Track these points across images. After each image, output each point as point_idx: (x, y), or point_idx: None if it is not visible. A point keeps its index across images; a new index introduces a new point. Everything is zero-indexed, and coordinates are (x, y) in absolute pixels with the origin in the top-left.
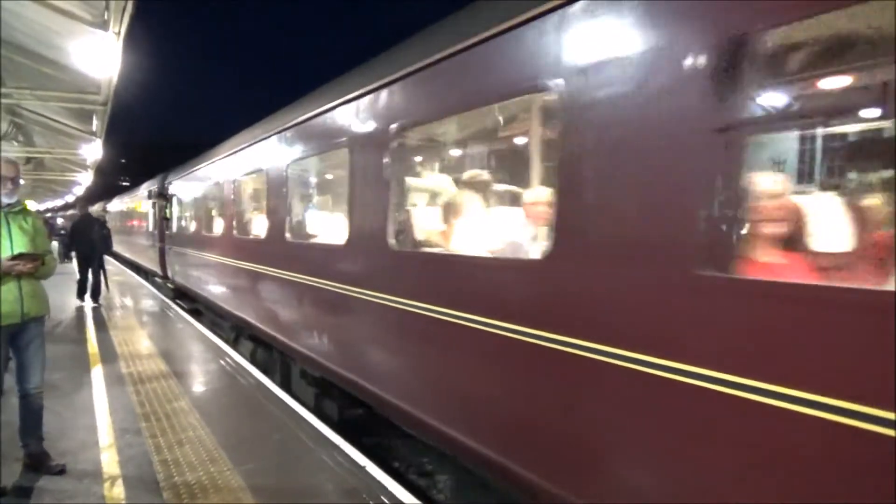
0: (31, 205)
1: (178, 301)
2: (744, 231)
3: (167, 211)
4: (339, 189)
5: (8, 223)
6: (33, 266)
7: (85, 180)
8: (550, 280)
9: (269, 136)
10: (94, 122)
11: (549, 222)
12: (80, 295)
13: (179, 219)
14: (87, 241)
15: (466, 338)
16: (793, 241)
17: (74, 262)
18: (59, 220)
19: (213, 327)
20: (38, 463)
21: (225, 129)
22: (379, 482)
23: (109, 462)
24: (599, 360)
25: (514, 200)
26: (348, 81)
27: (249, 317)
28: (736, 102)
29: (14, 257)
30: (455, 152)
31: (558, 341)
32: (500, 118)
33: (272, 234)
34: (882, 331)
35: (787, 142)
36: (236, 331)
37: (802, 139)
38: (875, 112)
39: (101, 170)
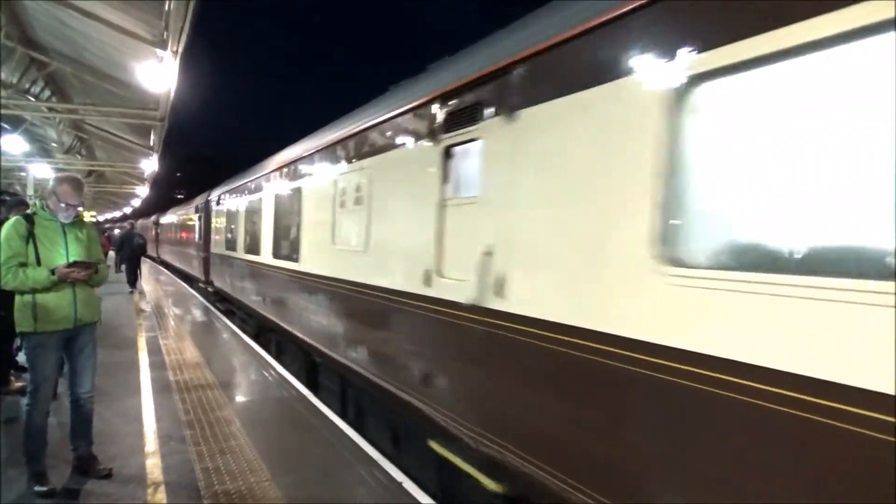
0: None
1: (162, 264)
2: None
3: (158, 229)
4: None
5: (64, 233)
6: (87, 274)
7: (142, 193)
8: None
9: (186, 207)
10: (152, 136)
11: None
12: (130, 284)
13: (163, 232)
14: (130, 247)
15: None
16: None
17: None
18: (116, 231)
19: (166, 267)
20: (87, 466)
21: (273, 142)
22: (415, 499)
23: (154, 468)
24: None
25: None
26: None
27: (174, 262)
28: None
29: (70, 265)
30: None
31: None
32: None
33: (186, 239)
34: None
35: None
36: (166, 266)
37: None
38: None
39: (157, 183)
